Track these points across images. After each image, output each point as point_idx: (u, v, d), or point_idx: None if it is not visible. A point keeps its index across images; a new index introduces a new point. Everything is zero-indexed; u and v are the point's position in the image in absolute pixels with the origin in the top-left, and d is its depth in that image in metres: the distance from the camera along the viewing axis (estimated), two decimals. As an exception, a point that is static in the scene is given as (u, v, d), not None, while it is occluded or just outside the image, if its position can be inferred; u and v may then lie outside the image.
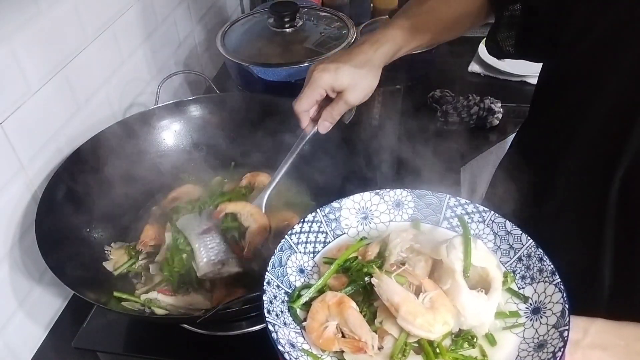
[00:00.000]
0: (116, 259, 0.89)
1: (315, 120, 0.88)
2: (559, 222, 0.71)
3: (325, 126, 0.86)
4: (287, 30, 1.25)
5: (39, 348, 0.91)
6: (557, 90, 0.76)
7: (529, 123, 0.89)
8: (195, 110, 1.07)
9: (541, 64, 0.83)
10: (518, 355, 0.48)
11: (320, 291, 0.53)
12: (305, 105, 0.85)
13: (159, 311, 0.80)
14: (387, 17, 1.42)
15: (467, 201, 0.59)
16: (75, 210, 0.88)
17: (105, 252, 0.90)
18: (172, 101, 1.06)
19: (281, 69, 1.17)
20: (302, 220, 0.59)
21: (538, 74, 0.85)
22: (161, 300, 0.81)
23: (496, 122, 1.24)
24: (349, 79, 0.82)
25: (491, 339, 0.50)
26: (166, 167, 1.05)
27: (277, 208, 0.94)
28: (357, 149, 0.94)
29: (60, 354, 0.91)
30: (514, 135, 0.98)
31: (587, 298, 0.56)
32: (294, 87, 1.19)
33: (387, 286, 0.49)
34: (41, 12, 0.86)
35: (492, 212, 0.57)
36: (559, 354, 0.45)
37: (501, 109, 1.25)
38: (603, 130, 0.63)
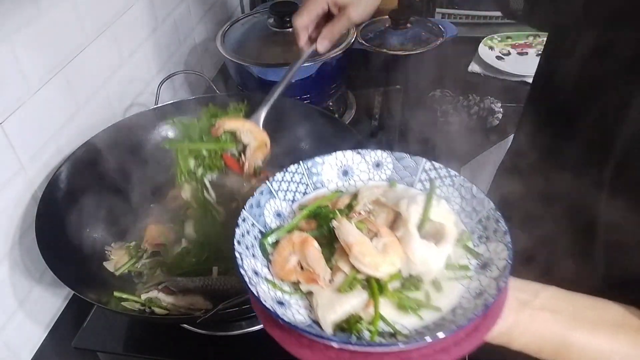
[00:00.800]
0: (117, 259, 0.89)
1: (314, 39, 0.84)
2: (556, 218, 0.71)
3: (324, 45, 0.82)
4: (287, 30, 1.24)
5: (39, 348, 0.91)
6: (552, 86, 0.76)
7: (525, 122, 0.90)
8: (195, 110, 1.07)
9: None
10: (459, 302, 0.51)
11: (291, 232, 0.57)
12: (305, 19, 0.81)
13: (159, 311, 0.80)
14: (387, 17, 1.42)
15: (442, 166, 0.62)
16: (75, 210, 0.88)
17: (106, 252, 0.90)
18: (172, 101, 1.06)
19: (281, 69, 1.17)
20: (284, 169, 0.63)
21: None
22: (162, 299, 0.81)
23: (496, 122, 1.25)
24: None
25: (437, 285, 0.53)
26: (166, 166, 1.05)
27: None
28: (357, 148, 0.94)
29: (60, 354, 0.91)
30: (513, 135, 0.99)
31: (582, 285, 0.58)
32: (294, 87, 1.20)
33: (345, 228, 0.53)
34: (41, 12, 0.86)
35: (462, 177, 0.60)
36: (491, 300, 0.48)
37: (501, 109, 1.26)
38: (593, 125, 0.64)
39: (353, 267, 0.52)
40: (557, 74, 0.73)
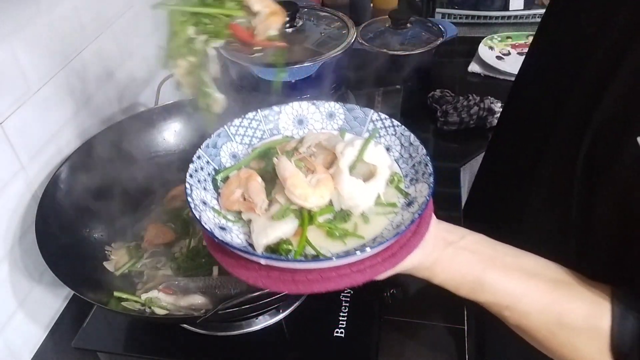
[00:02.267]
0: (117, 259, 0.89)
1: None
2: (534, 202, 0.73)
3: None
4: (287, 30, 1.25)
5: (39, 348, 0.91)
6: (534, 79, 0.78)
7: (506, 117, 0.91)
8: (195, 110, 1.07)
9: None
10: (381, 233, 0.57)
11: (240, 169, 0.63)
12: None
13: (160, 311, 0.80)
14: (387, 17, 1.42)
15: (387, 117, 0.67)
16: (75, 210, 0.88)
17: (106, 252, 0.90)
18: (172, 101, 1.06)
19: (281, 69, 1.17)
20: (243, 116, 0.67)
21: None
22: (162, 299, 0.81)
23: (496, 122, 1.24)
24: None
25: (365, 219, 0.59)
26: (166, 166, 1.05)
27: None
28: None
29: (60, 354, 0.91)
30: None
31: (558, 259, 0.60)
32: (294, 87, 1.20)
33: (283, 164, 0.59)
34: (41, 12, 0.86)
35: (403, 127, 0.65)
36: (403, 228, 0.53)
37: (501, 109, 1.26)
38: (571, 120, 0.65)
39: (288, 199, 0.58)
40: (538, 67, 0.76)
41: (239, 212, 0.60)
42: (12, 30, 0.80)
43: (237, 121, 0.67)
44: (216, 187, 0.62)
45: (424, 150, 0.62)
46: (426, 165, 0.60)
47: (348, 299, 0.87)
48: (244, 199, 0.60)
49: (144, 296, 0.82)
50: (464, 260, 0.58)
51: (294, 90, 1.21)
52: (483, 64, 1.46)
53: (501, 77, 1.43)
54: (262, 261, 0.54)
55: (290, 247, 0.55)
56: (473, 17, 1.70)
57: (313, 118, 0.69)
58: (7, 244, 0.84)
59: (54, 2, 0.88)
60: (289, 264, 0.54)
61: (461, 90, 1.33)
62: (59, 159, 0.93)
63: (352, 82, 1.37)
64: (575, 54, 0.65)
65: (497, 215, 0.82)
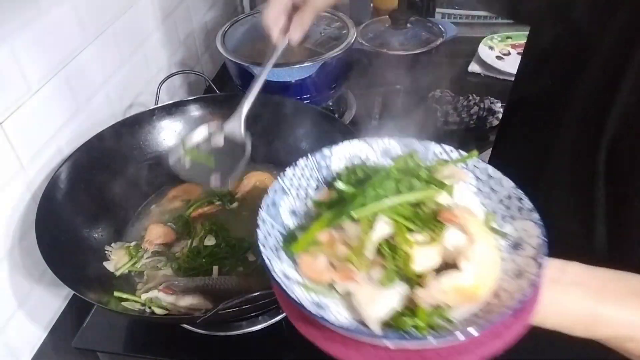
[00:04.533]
0: (117, 259, 0.89)
1: (285, 32, 0.82)
2: (553, 197, 0.71)
3: (296, 35, 0.81)
4: (287, 30, 1.24)
5: (39, 348, 0.91)
6: (541, 69, 0.77)
7: (514, 106, 0.90)
8: (195, 110, 1.07)
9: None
10: (500, 285, 0.50)
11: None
12: (271, 15, 0.80)
13: (160, 311, 0.80)
14: (387, 17, 1.42)
15: (452, 148, 0.61)
16: (75, 210, 0.88)
17: (106, 252, 0.90)
18: (172, 101, 1.06)
19: (281, 69, 1.17)
20: (294, 164, 0.61)
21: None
22: (162, 299, 0.81)
23: (496, 122, 1.24)
24: None
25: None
26: (166, 166, 1.04)
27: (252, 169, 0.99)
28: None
29: (60, 354, 0.91)
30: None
31: (583, 259, 0.57)
32: (294, 87, 1.20)
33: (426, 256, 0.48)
34: (41, 12, 0.86)
35: (476, 159, 0.59)
36: (536, 279, 0.47)
37: (501, 109, 1.26)
38: (587, 106, 0.64)
39: (386, 256, 0.49)
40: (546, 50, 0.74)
41: (331, 282, 0.51)
42: (12, 30, 0.80)
43: (289, 171, 0.60)
44: (289, 254, 0.54)
45: (512, 183, 0.55)
46: (520, 199, 0.54)
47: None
48: (333, 266, 0.51)
49: (144, 296, 0.82)
50: (573, 298, 0.53)
51: (294, 90, 1.21)
52: (483, 64, 1.46)
53: (501, 77, 1.43)
54: (391, 345, 0.44)
55: (408, 319, 0.46)
56: (473, 17, 1.69)
57: (367, 157, 0.63)
58: (7, 244, 0.84)
59: (54, 2, 0.88)
60: (423, 342, 0.44)
61: (461, 90, 1.32)
62: (59, 159, 0.93)
63: (352, 82, 1.37)
64: (590, 30, 0.64)
65: None
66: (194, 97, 1.08)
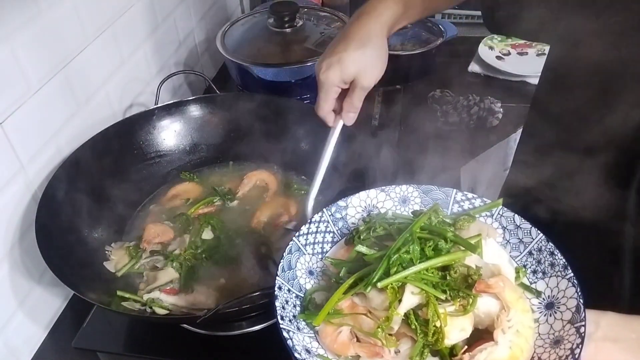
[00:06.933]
0: (117, 259, 0.89)
1: (338, 113, 0.84)
2: (578, 227, 0.69)
3: (350, 117, 0.83)
4: (287, 30, 1.25)
5: (39, 348, 0.91)
6: (563, 85, 0.75)
7: (532, 123, 0.89)
8: (195, 110, 1.07)
9: (542, 63, 0.83)
10: (535, 352, 0.48)
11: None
12: (325, 109, 0.82)
13: (160, 311, 0.80)
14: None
15: (474, 195, 0.58)
16: (75, 210, 0.88)
17: (106, 252, 0.90)
18: (172, 101, 1.06)
19: (281, 69, 1.17)
20: (309, 221, 0.59)
21: (539, 74, 0.85)
22: (164, 299, 0.81)
23: (496, 122, 1.25)
24: (355, 66, 0.77)
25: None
26: (166, 166, 1.05)
27: (274, 197, 0.98)
28: (357, 148, 0.94)
29: (60, 354, 0.90)
30: (514, 135, 0.98)
31: (608, 298, 0.56)
32: (293, 87, 1.20)
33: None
34: (41, 12, 0.86)
35: (501, 207, 0.56)
36: (577, 350, 0.45)
37: (501, 109, 1.26)
38: (617, 135, 0.63)
39: (415, 330, 0.46)
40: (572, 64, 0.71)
41: (354, 356, 0.48)
42: (12, 30, 0.80)
43: (304, 229, 0.58)
44: (308, 322, 0.52)
45: (541, 234, 0.52)
46: (552, 254, 0.51)
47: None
48: (356, 338, 0.48)
49: (146, 296, 0.82)
50: (609, 354, 0.52)
51: (294, 90, 1.21)
52: (483, 64, 1.46)
53: (501, 77, 1.42)
54: None
55: None
56: (473, 17, 1.69)
57: (385, 206, 0.61)
58: (7, 244, 0.84)
59: (54, 2, 0.88)
60: None
61: (461, 90, 1.32)
62: (59, 159, 0.93)
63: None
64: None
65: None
66: (194, 97, 1.08)
